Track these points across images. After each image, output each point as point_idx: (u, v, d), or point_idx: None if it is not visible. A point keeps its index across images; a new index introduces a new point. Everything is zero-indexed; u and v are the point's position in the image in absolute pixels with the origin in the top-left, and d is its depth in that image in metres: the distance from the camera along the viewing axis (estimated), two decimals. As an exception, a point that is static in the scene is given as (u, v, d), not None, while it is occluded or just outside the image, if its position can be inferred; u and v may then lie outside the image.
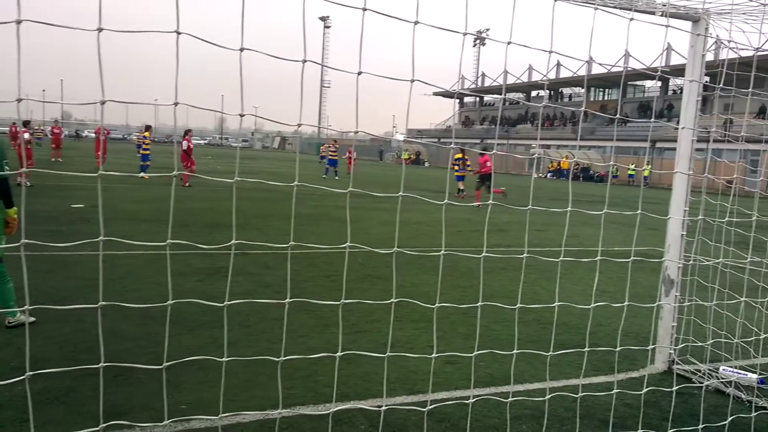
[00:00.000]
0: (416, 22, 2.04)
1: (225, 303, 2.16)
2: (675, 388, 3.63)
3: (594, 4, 2.70)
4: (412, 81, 2.12)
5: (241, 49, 1.85)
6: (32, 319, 4.98)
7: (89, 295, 6.00)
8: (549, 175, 53.46)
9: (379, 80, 2.20)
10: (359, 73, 2.05)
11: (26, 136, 17.57)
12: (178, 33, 1.73)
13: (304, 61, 1.99)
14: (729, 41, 3.77)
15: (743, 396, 4.19)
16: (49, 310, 2.70)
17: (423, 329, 5.55)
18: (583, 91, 71.01)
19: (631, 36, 2.99)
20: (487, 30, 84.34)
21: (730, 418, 3.67)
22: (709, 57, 4.43)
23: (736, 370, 4.56)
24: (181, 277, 6.95)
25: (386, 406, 2.90)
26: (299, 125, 2.13)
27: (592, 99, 68.86)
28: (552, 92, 75.35)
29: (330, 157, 29.88)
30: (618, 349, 3.50)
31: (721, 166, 4.98)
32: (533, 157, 22.83)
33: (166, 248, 1.99)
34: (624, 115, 60.41)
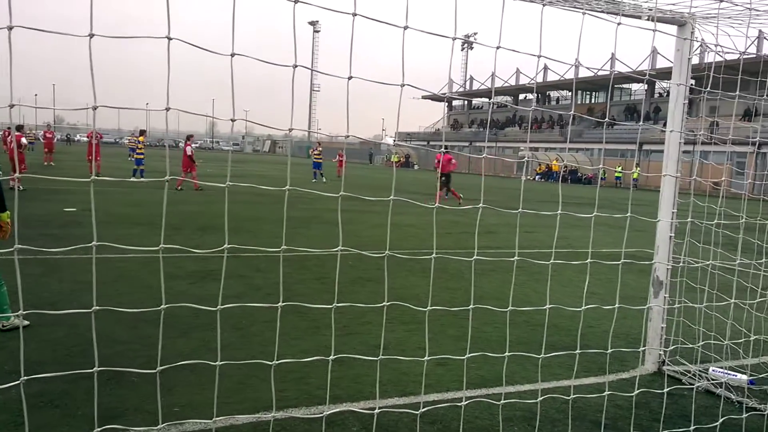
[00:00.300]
0: (406, 27, 2.05)
1: (218, 307, 2.14)
2: (666, 389, 3.65)
3: (582, 8, 2.72)
4: (402, 85, 2.12)
5: (232, 55, 1.84)
6: (26, 322, 4.94)
7: (82, 299, 5.94)
8: (537, 177, 53.72)
9: (368, 84, 2.20)
10: (350, 78, 2.05)
11: (23, 140, 17.43)
12: (170, 39, 1.72)
13: (295, 66, 1.98)
14: (716, 45, 3.80)
15: (733, 397, 4.21)
16: (42, 314, 2.67)
17: (414, 331, 5.55)
18: (570, 94, 71.49)
19: (620, 40, 3.01)
20: (475, 34, 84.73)
21: (721, 419, 3.69)
22: (695, 60, 4.47)
23: (725, 371, 4.58)
24: (172, 280, 6.91)
25: (379, 408, 2.89)
26: (290, 129, 2.13)
27: (579, 102, 69.26)
28: (539, 95, 75.75)
29: (315, 160, 29.71)
30: (609, 351, 3.52)
31: (709, 168, 5.02)
32: (522, 160, 22.83)
33: (159, 252, 1.97)
34: (611, 117, 60.87)
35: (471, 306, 2.55)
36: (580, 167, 51.22)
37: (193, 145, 20.79)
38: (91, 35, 1.63)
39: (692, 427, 3.57)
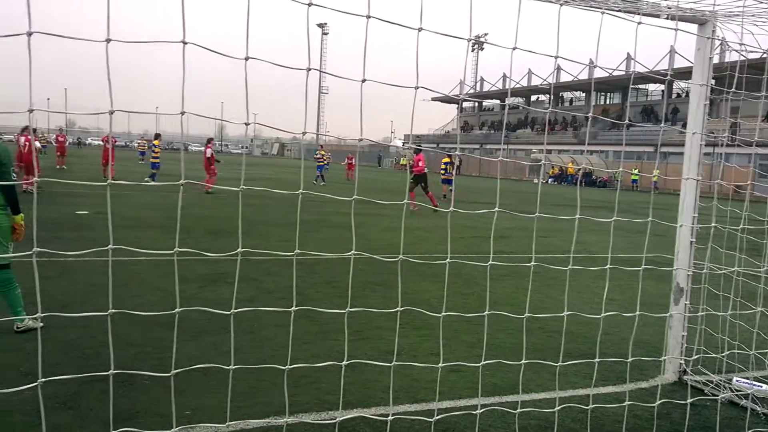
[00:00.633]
0: (420, 29, 2.04)
1: (232, 311, 2.15)
2: (690, 400, 3.59)
3: (600, 8, 2.70)
4: (417, 88, 2.12)
5: (246, 58, 1.85)
6: (41, 324, 5.00)
7: (96, 301, 5.99)
8: (551, 180, 53.47)
9: (377, 86, 2.19)
10: (363, 81, 2.05)
11: (37, 144, 17.63)
12: (185, 43, 1.72)
13: (309, 70, 1.98)
14: (740, 44, 3.75)
15: (759, 409, 4.12)
16: (55, 316, 2.70)
17: (426, 337, 5.53)
18: (583, 95, 71.12)
19: (632, 38, 2.98)
20: (486, 35, 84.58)
21: (747, 432, 3.62)
22: (715, 59, 4.42)
23: (751, 382, 4.48)
24: (183, 283, 6.94)
25: (393, 415, 2.88)
26: (304, 133, 2.13)
27: (593, 103, 68.89)
28: (552, 96, 75.45)
29: (318, 162, 30.37)
30: (630, 360, 3.47)
31: (732, 171, 4.97)
32: (539, 164, 22.89)
33: (174, 255, 1.98)
34: (627, 119, 60.38)
35: (486, 312, 2.53)
36: (595, 170, 50.97)
37: (213, 148, 20.98)
38: (108, 40, 1.64)
39: (716, 439, 3.51)
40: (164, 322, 5.09)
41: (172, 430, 2.20)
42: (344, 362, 2.35)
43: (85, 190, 16.38)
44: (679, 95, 57.35)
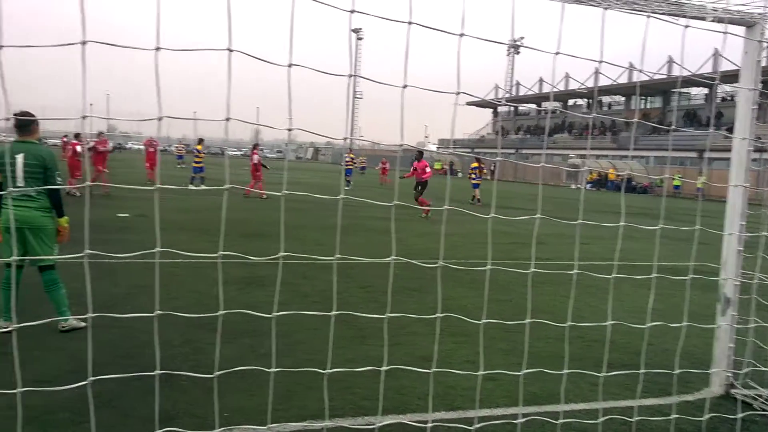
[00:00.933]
0: (462, 35, 2.05)
1: (273, 314, 2.19)
2: (740, 415, 3.49)
3: (645, 11, 2.66)
4: (458, 93, 2.12)
5: (290, 65, 1.89)
6: (84, 324, 5.18)
7: (137, 302, 6.17)
8: (589, 186, 52.56)
9: (410, 90, 2.20)
10: (404, 87, 2.07)
11: (78, 148, 18.18)
12: (231, 51, 1.77)
13: (351, 76, 2.01)
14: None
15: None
16: (99, 316, 2.80)
17: (461, 343, 5.51)
18: (623, 99, 69.78)
19: (674, 41, 2.92)
20: (522, 38, 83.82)
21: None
22: (763, 62, 4.30)
23: None
24: (218, 285, 7.07)
25: (432, 422, 2.88)
26: (345, 138, 2.15)
27: (632, 107, 67.55)
28: (590, 100, 74.23)
29: (346, 166, 30.79)
30: (676, 372, 3.39)
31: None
32: (583, 170, 22.63)
33: (219, 259, 2.03)
34: (668, 124, 59.10)
35: (527, 320, 2.51)
36: (638, 176, 49.89)
37: (260, 154, 21.33)
38: (158, 48, 1.70)
39: (764, 455, 3.40)
40: (202, 324, 5.21)
41: (216, 430, 2.25)
42: (384, 368, 2.37)
43: (125, 193, 16.84)
44: (724, 99, 55.77)
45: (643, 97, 67.97)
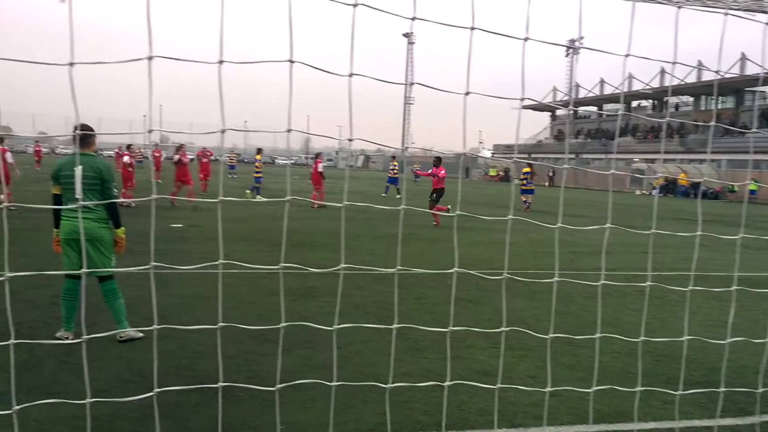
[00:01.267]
0: (526, 39, 2.04)
1: (334, 327, 2.23)
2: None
3: (721, 9, 2.57)
4: (522, 99, 2.12)
5: (350, 75, 1.93)
6: (141, 334, 5.38)
7: (193, 313, 6.37)
8: (654, 192, 50.90)
9: (461, 94, 2.17)
10: (467, 93, 2.07)
11: (126, 159, 18.90)
12: (292, 62, 1.83)
13: (411, 84, 2.04)
14: None
15: None
16: (155, 327, 2.91)
17: (521, 357, 5.42)
18: (691, 99, 67.31)
19: (745, 37, 2.81)
20: (581, 38, 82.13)
21: None
22: None
23: None
24: (273, 296, 7.22)
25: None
26: (405, 148, 2.18)
27: (702, 108, 65.05)
28: (656, 102, 71.94)
29: (390, 175, 30.19)
30: (759, 390, 3.24)
31: None
32: (656, 176, 22.06)
33: (280, 270, 2.08)
34: (741, 125, 56.56)
35: (597, 335, 2.46)
36: (711, 182, 47.91)
37: (323, 163, 21.63)
38: (221, 61, 1.78)
39: None
40: (255, 334, 5.32)
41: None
42: (446, 383, 2.36)
43: (178, 203, 17.40)
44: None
45: (713, 97, 65.36)
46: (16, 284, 1.94)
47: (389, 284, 8.27)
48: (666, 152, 60.64)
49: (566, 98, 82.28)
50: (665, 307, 7.57)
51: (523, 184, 23.79)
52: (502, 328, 2.35)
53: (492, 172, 70.95)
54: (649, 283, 2.55)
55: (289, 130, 1.89)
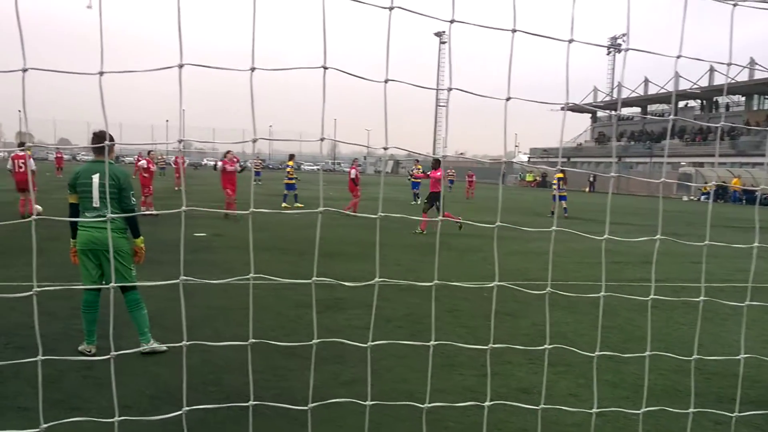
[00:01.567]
0: (571, 41, 2.03)
1: (369, 343, 2.24)
2: None
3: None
4: (567, 104, 2.11)
5: (386, 81, 1.95)
6: (164, 347, 5.45)
7: (215, 325, 6.45)
8: (704, 197, 49.88)
9: (497, 97, 2.16)
10: (508, 99, 2.07)
11: (142, 163, 19.21)
12: (326, 68, 1.86)
13: (449, 90, 2.05)
14: None
15: None
16: (178, 340, 2.96)
17: (562, 374, 5.36)
18: (742, 99, 65.82)
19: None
20: (624, 35, 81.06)
21: None
22: None
23: None
24: (300, 308, 7.27)
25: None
26: (444, 156, 2.19)
27: (755, 108, 63.52)
28: (704, 102, 70.52)
29: (414, 179, 29.23)
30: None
31: None
32: (712, 184, 21.45)
33: (312, 283, 2.11)
34: (798, 124, 55.04)
35: (647, 353, 2.42)
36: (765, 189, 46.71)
37: (357, 169, 21.71)
38: (253, 69, 1.81)
39: None
40: (283, 349, 5.36)
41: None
42: (487, 403, 2.35)
43: (201, 212, 17.65)
44: None
45: (766, 96, 63.84)
46: (39, 296, 1.99)
47: (419, 296, 8.25)
48: (714, 155, 59.30)
49: (607, 99, 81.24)
50: (715, 321, 7.40)
51: (555, 190, 23.87)
52: (545, 346, 2.33)
53: (529, 178, 70.39)
54: (702, 297, 2.50)
55: (322, 139, 1.92)
